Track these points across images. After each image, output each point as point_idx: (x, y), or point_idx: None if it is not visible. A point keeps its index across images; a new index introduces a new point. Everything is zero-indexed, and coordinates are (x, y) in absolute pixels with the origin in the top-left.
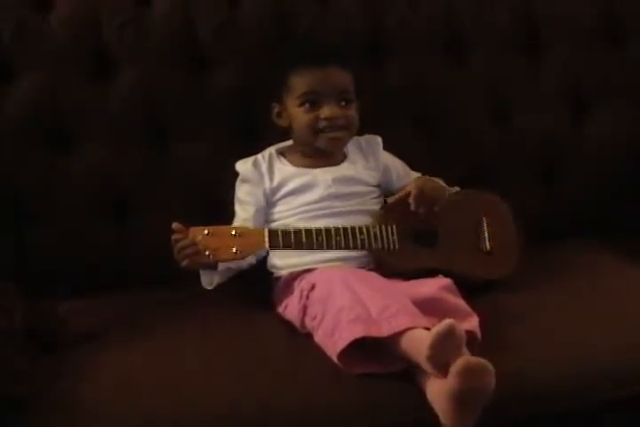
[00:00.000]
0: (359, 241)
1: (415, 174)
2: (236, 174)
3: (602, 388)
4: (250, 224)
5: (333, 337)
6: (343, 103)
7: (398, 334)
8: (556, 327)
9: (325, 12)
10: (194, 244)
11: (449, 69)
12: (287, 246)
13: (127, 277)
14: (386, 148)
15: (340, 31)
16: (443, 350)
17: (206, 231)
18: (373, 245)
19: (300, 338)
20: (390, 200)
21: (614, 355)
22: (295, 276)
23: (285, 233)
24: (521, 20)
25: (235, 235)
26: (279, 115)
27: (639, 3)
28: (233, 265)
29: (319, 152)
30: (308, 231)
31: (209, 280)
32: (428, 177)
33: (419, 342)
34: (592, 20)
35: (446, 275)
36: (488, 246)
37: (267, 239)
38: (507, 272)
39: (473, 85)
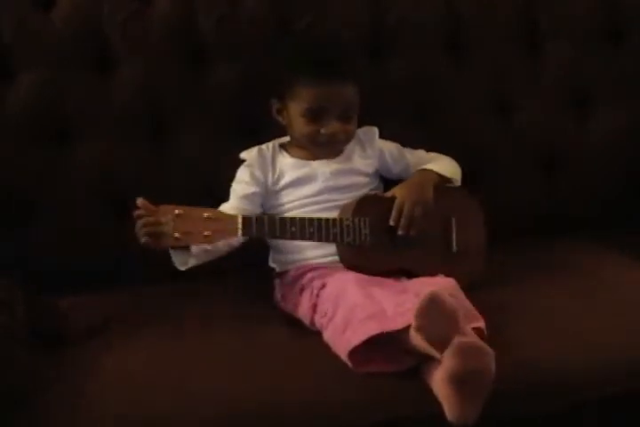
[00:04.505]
0: (331, 234)
1: (417, 153)
2: (237, 170)
3: (601, 385)
4: (246, 201)
5: (345, 335)
6: (345, 119)
7: (410, 328)
8: (555, 326)
9: (326, 10)
10: (159, 222)
11: (450, 68)
12: (260, 235)
13: (127, 276)
14: None
15: (341, 29)
16: (431, 320)
17: (177, 211)
18: (345, 238)
19: (302, 335)
20: (370, 193)
21: (614, 353)
22: (301, 272)
23: (259, 221)
24: (521, 19)
25: (207, 218)
26: (279, 112)
27: (639, 3)
28: (209, 247)
29: None
30: (282, 220)
31: (182, 260)
32: (413, 183)
33: None
34: (592, 20)
35: (411, 276)
36: (455, 247)
37: (240, 226)
38: (473, 274)
39: (474, 83)
